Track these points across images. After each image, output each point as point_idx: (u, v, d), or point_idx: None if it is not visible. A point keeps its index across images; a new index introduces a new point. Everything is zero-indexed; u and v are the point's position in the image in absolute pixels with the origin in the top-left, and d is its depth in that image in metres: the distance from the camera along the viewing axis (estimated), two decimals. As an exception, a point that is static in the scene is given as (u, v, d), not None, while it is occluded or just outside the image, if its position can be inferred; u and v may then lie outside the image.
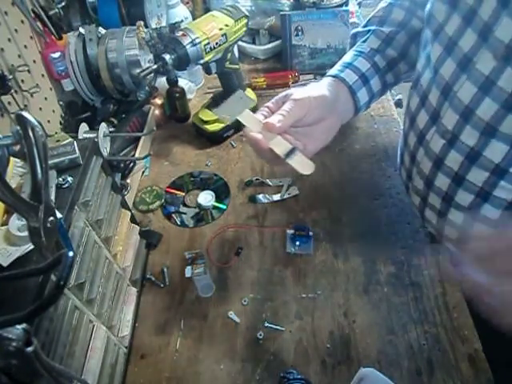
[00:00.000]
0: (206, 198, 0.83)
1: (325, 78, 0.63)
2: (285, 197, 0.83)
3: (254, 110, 0.57)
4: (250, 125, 0.53)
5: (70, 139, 0.58)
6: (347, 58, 0.66)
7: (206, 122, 0.95)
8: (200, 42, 0.82)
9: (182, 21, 1.05)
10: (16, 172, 0.53)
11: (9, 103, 0.75)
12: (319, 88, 0.58)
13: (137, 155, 0.90)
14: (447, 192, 0.59)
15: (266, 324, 0.65)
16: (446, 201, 0.60)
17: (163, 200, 0.86)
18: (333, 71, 0.64)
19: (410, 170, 0.67)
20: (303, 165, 0.51)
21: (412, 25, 0.67)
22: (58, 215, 0.38)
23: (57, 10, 0.92)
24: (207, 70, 0.89)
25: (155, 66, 0.81)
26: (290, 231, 0.76)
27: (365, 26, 0.71)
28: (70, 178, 0.53)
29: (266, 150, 0.51)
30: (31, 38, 0.85)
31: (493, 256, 0.42)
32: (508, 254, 0.41)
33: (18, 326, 0.29)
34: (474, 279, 0.41)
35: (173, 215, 0.84)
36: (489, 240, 0.44)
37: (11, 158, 0.52)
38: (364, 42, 0.67)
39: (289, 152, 0.51)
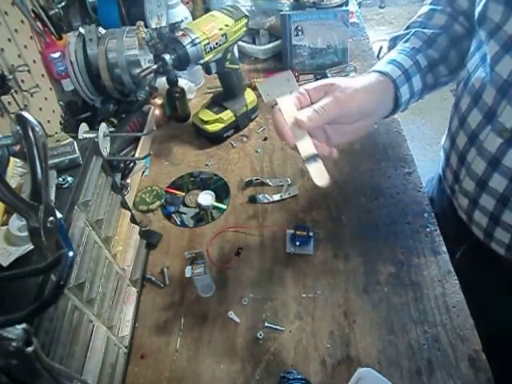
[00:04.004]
0: (206, 198, 0.83)
1: (370, 74, 0.60)
2: (285, 197, 0.83)
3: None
4: (285, 111, 0.50)
5: (70, 139, 0.58)
6: (390, 55, 0.64)
7: (206, 122, 0.95)
8: (200, 42, 0.82)
9: (182, 21, 1.05)
10: (16, 172, 0.53)
11: (9, 103, 0.75)
12: (367, 87, 0.55)
13: (137, 155, 0.90)
14: (503, 193, 0.57)
15: (266, 324, 0.65)
16: (502, 202, 0.58)
17: (163, 200, 0.86)
18: (377, 67, 0.62)
19: (458, 171, 0.66)
20: (320, 175, 0.49)
21: (454, 29, 0.66)
22: (58, 215, 0.38)
23: (57, 10, 0.92)
24: (207, 70, 0.89)
25: (155, 66, 0.81)
26: (290, 231, 0.76)
27: (405, 30, 0.70)
28: (69, 178, 0.53)
29: (290, 143, 0.50)
30: (31, 38, 0.85)
31: None
32: None
33: (18, 326, 0.29)
34: None
35: (173, 215, 0.84)
36: None
37: (11, 158, 0.52)
38: (405, 42, 0.67)
39: (311, 157, 0.50)
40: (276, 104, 0.51)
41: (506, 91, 0.53)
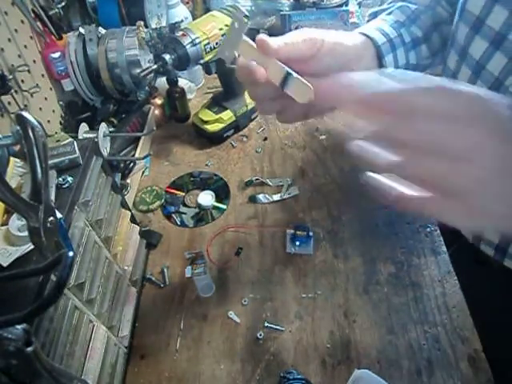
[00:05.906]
0: (206, 198, 0.83)
1: (353, 32, 0.54)
2: (285, 197, 0.83)
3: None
4: (248, 54, 0.41)
5: (70, 139, 0.58)
6: (373, 23, 0.59)
7: (206, 122, 0.95)
8: (200, 42, 0.82)
9: (182, 21, 1.05)
10: (16, 172, 0.53)
11: (9, 103, 0.75)
12: (342, 36, 0.49)
13: (137, 155, 0.90)
14: None
15: (266, 324, 0.65)
16: None
17: (163, 200, 0.86)
18: (362, 29, 0.56)
19: None
20: (301, 90, 0.41)
21: (437, 11, 0.65)
22: (58, 215, 0.38)
23: (57, 10, 0.92)
24: (207, 70, 0.89)
25: (155, 66, 0.82)
26: (290, 231, 0.76)
27: (388, 5, 0.67)
28: (69, 178, 0.53)
29: (261, 81, 0.40)
30: (31, 38, 0.85)
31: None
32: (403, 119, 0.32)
33: (18, 326, 0.29)
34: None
35: (173, 215, 0.84)
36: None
37: (11, 158, 0.52)
38: (389, 14, 0.63)
39: (284, 78, 0.41)
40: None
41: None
